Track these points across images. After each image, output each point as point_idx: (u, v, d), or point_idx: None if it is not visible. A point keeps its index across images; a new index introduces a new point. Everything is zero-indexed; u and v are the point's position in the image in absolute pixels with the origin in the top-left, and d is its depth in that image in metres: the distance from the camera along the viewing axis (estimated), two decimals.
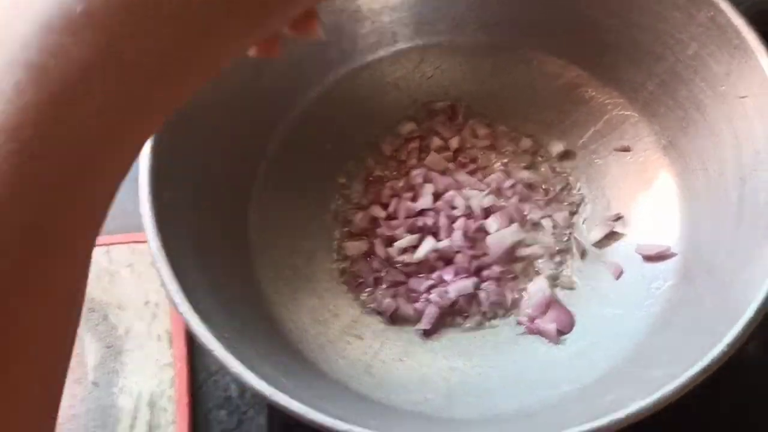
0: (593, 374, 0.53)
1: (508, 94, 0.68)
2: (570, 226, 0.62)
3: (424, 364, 0.57)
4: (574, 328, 0.57)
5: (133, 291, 0.68)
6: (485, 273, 0.59)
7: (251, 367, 0.44)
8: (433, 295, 0.59)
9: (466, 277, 0.59)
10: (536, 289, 0.58)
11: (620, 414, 0.41)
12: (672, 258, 0.57)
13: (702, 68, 0.56)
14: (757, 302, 0.42)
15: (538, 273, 0.60)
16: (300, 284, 0.61)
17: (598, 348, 0.55)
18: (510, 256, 0.60)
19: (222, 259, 0.55)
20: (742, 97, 0.53)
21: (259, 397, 0.58)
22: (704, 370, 0.41)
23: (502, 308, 0.59)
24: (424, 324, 0.58)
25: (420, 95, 0.69)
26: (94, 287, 0.68)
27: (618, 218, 0.61)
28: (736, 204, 0.52)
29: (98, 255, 0.69)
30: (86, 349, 0.65)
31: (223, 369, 0.43)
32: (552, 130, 0.66)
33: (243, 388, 0.61)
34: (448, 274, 0.59)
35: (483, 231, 0.61)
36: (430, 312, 0.58)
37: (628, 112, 0.63)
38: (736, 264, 0.49)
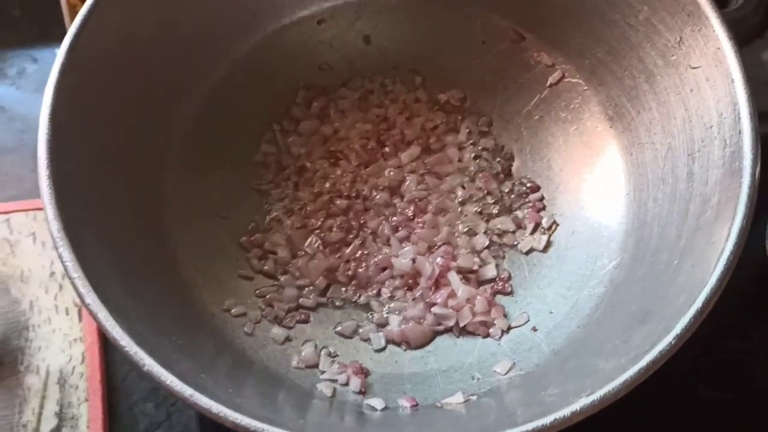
0: (534, 359, 0.51)
1: (451, 57, 0.64)
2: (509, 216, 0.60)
3: (360, 349, 0.54)
4: (515, 314, 0.55)
5: (36, 261, 0.64)
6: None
7: (167, 364, 0.40)
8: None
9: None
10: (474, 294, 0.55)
11: (565, 411, 0.38)
12: (617, 237, 0.54)
13: (653, 35, 0.53)
14: (706, 292, 0.40)
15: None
16: (225, 264, 0.56)
17: (541, 332, 0.53)
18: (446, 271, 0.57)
19: (134, 240, 0.50)
20: (695, 68, 0.50)
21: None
22: (650, 365, 0.39)
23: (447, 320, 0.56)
24: None
25: (355, 57, 0.64)
26: None
27: (542, 208, 0.59)
28: (686, 181, 0.49)
29: None
30: None
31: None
32: (495, 96, 0.63)
33: None
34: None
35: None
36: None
37: (575, 80, 0.60)
38: (684, 245, 0.46)
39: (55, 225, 0.43)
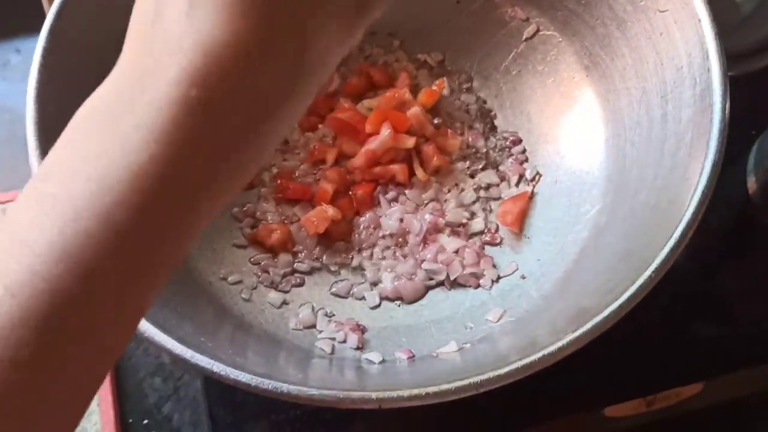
0: (524, 305, 0.52)
1: (426, 19, 0.65)
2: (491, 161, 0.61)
3: (356, 308, 0.56)
4: (504, 264, 0.56)
5: None
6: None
7: (167, 330, 0.41)
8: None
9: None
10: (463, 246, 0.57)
11: (552, 347, 0.40)
12: (598, 182, 0.56)
13: None
14: (681, 227, 0.42)
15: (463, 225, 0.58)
16: (219, 234, 0.57)
17: (529, 279, 0.55)
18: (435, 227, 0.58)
19: None
20: (663, 11, 0.51)
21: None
22: (631, 298, 0.40)
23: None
24: None
25: None
26: None
27: (525, 160, 0.60)
28: (660, 123, 0.51)
29: None
30: None
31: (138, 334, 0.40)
32: (473, 54, 0.64)
33: None
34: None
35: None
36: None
37: (549, 32, 0.61)
38: (661, 184, 0.48)
39: None
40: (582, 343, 0.40)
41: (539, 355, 0.39)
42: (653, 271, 0.41)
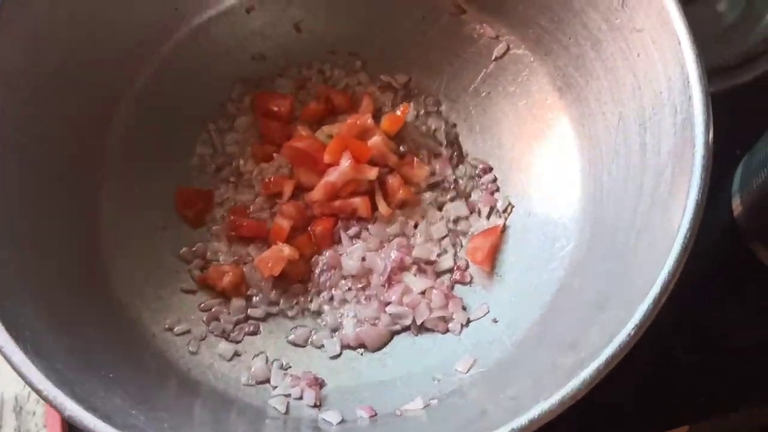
0: (496, 354, 0.48)
1: (390, 36, 0.60)
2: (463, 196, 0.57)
3: (314, 357, 0.51)
4: (475, 306, 0.52)
5: None
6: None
7: (91, 407, 0.37)
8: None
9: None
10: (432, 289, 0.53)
11: (522, 419, 0.35)
12: (574, 215, 0.51)
13: None
14: (663, 277, 0.37)
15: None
16: (165, 278, 0.53)
17: (501, 323, 0.51)
18: (400, 265, 0.54)
19: (64, 271, 0.47)
20: (640, 30, 0.47)
21: None
22: (611, 359, 0.36)
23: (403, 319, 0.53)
24: None
25: (290, 44, 0.61)
26: None
27: (496, 189, 0.56)
28: (639, 152, 0.46)
29: None
30: None
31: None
32: (440, 74, 0.60)
33: None
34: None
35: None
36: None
37: (521, 51, 0.57)
38: (640, 224, 0.44)
39: None
40: (555, 413, 0.36)
41: (509, 428, 0.35)
42: (633, 328, 0.37)
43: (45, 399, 0.37)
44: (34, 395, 0.56)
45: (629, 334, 0.37)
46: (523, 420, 0.35)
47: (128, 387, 0.42)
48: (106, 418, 0.36)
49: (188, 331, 0.51)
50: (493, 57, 0.58)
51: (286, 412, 0.47)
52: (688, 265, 0.57)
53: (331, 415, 0.46)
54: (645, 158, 0.46)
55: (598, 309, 0.42)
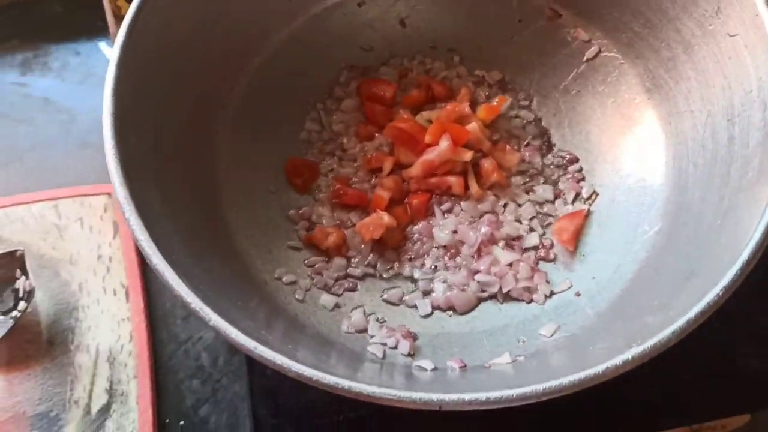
0: (579, 322, 0.52)
1: (488, 36, 0.65)
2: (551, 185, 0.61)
3: (407, 315, 0.56)
4: (558, 280, 0.56)
5: (84, 245, 0.65)
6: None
7: (231, 321, 0.41)
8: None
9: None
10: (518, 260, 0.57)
11: (617, 360, 0.39)
12: (657, 203, 0.55)
13: (690, 5, 0.54)
14: (751, 246, 0.41)
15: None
16: (275, 235, 0.58)
17: (584, 296, 0.54)
18: (490, 238, 0.58)
19: (193, 211, 0.52)
20: (733, 36, 0.51)
21: (233, 363, 0.58)
22: (701, 314, 0.40)
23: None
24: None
25: (395, 37, 0.66)
26: (43, 244, 0.64)
27: (582, 179, 0.60)
28: (726, 146, 0.50)
29: (45, 210, 0.66)
30: (39, 306, 0.62)
31: (197, 328, 0.40)
32: (533, 72, 0.64)
33: (215, 356, 0.60)
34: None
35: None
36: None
37: (612, 54, 0.61)
38: (727, 206, 0.47)
39: (122, 192, 0.45)
40: (647, 357, 0.39)
41: (604, 366, 0.39)
42: (722, 289, 0.40)
43: (192, 311, 0.42)
44: (126, 347, 0.61)
45: (718, 294, 0.40)
46: (618, 360, 0.39)
47: (252, 316, 0.47)
48: (244, 331, 0.41)
49: (295, 282, 0.56)
50: (585, 59, 0.63)
51: (383, 358, 0.52)
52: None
53: (425, 363, 0.50)
54: (732, 150, 0.50)
55: (685, 280, 0.46)
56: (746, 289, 0.59)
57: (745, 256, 0.41)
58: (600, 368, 0.39)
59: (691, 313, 0.40)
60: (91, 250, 0.65)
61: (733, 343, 0.60)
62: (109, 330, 0.61)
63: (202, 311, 0.41)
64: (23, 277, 0.60)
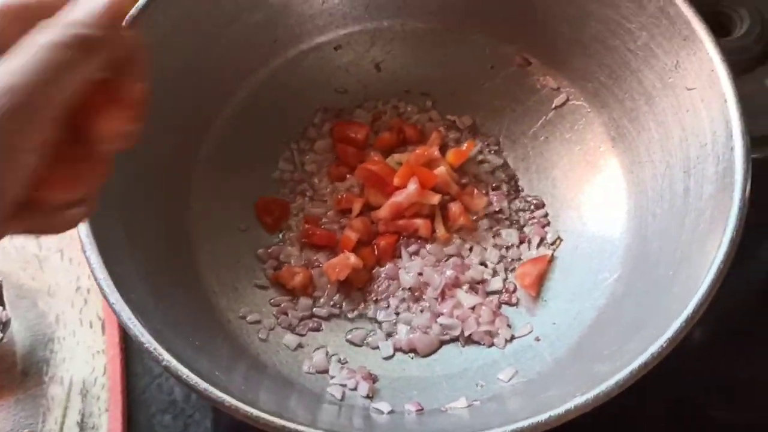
0: (537, 367, 0.53)
1: (460, 81, 0.67)
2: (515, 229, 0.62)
3: (369, 356, 0.56)
4: (520, 325, 0.57)
5: (63, 277, 0.66)
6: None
7: (183, 361, 0.42)
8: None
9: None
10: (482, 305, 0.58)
11: (560, 409, 0.40)
12: (618, 251, 0.56)
13: (651, 59, 0.55)
14: (697, 298, 0.42)
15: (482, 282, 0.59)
16: (242, 273, 0.59)
17: (543, 342, 0.55)
18: (454, 282, 0.59)
19: (158, 246, 0.53)
20: (690, 89, 0.52)
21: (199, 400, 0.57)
22: (644, 366, 0.41)
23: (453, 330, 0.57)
24: None
25: (370, 81, 0.68)
26: (23, 274, 0.65)
27: (547, 224, 0.61)
28: (682, 197, 0.51)
29: (27, 240, 0.66)
30: (15, 337, 0.62)
31: (157, 365, 0.41)
32: (503, 118, 0.66)
33: (188, 390, 0.59)
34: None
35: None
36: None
37: (579, 102, 0.63)
38: (681, 257, 0.48)
39: (83, 229, 0.46)
40: (590, 407, 0.40)
41: (546, 415, 0.40)
42: (666, 341, 0.41)
43: (146, 351, 0.42)
44: (100, 380, 0.61)
45: (662, 345, 0.41)
46: (560, 410, 0.40)
47: (211, 356, 0.47)
48: (197, 372, 0.42)
49: (259, 321, 0.57)
50: (553, 106, 0.64)
51: (342, 399, 0.52)
52: (722, 323, 0.61)
53: (382, 405, 0.51)
54: (688, 201, 0.51)
55: (636, 330, 0.47)
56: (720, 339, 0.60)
57: (690, 308, 0.42)
58: (542, 417, 0.40)
59: (635, 364, 0.41)
60: (70, 281, 0.66)
61: (695, 395, 0.60)
62: (84, 362, 0.62)
63: (155, 351, 0.42)
64: (0, 307, 0.60)
